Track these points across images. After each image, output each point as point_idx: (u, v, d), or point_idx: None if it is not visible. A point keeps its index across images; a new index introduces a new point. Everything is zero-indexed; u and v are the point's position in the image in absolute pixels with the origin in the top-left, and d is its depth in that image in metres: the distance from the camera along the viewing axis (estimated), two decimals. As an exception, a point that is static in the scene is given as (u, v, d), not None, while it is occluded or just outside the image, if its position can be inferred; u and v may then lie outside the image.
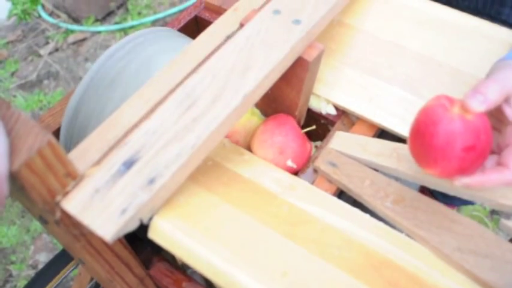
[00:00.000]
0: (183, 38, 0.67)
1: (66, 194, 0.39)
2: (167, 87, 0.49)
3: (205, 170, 0.48)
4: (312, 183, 0.53)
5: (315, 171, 0.54)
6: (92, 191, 0.40)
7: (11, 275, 1.40)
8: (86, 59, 1.81)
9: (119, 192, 0.39)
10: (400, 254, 0.44)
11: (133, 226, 0.40)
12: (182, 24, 0.77)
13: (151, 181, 0.39)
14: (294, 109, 0.55)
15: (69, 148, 0.63)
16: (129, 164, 0.41)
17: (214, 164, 0.49)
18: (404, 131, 0.55)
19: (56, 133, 0.67)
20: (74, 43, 1.85)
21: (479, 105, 0.40)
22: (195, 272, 0.87)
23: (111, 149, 0.45)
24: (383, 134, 0.58)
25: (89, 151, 0.45)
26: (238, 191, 0.46)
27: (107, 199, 0.39)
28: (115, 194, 0.39)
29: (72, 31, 1.88)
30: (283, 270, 0.39)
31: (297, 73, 0.50)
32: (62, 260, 0.77)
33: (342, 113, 0.59)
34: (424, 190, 0.84)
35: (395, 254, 0.44)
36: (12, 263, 1.42)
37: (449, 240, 0.45)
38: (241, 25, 0.51)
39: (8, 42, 1.89)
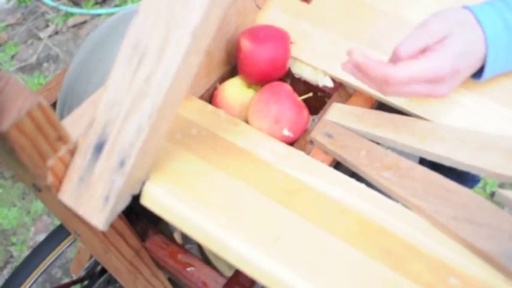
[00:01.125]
0: None
1: (58, 159, 0.39)
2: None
3: (199, 139, 0.48)
4: (308, 154, 0.53)
5: (311, 142, 0.54)
6: (77, 180, 0.40)
7: (11, 256, 1.41)
8: (86, 42, 1.80)
9: (98, 179, 0.39)
10: (395, 223, 0.44)
11: (125, 204, 0.39)
12: None
13: (122, 163, 0.38)
14: None
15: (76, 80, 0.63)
16: (99, 147, 0.39)
17: (209, 134, 0.49)
18: (401, 102, 0.54)
19: (52, 106, 0.67)
20: (73, 26, 1.84)
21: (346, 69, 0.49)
22: (192, 248, 0.87)
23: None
24: (380, 107, 0.57)
25: (81, 120, 0.45)
26: (233, 159, 0.46)
27: (90, 187, 0.39)
28: (96, 181, 0.39)
29: (72, 14, 1.86)
30: (276, 235, 0.39)
31: None
32: (58, 236, 0.77)
33: (339, 85, 0.58)
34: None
35: (391, 223, 0.44)
36: (13, 244, 1.43)
37: (445, 209, 0.45)
38: None
39: (7, 26, 1.88)
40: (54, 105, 0.66)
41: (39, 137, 0.36)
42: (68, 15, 1.86)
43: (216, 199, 0.42)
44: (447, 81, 0.47)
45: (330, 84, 0.58)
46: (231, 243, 0.38)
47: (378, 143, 0.52)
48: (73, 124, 0.44)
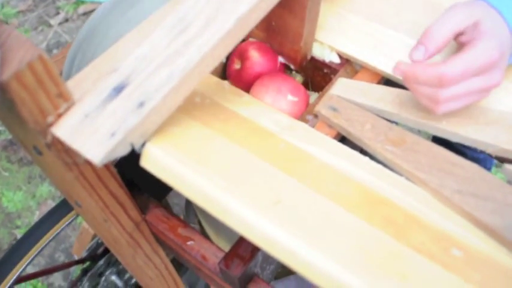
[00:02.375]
0: None
1: (58, 116, 0.38)
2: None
3: (202, 107, 0.47)
4: (313, 127, 0.52)
5: (315, 116, 0.53)
6: (81, 116, 0.39)
7: (16, 239, 1.41)
8: (95, 30, 1.81)
9: (108, 116, 0.39)
10: (398, 195, 0.43)
11: (124, 151, 0.39)
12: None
13: (141, 104, 0.39)
14: (299, 40, 0.53)
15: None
16: (119, 89, 0.40)
17: (212, 103, 0.49)
18: (408, 78, 0.53)
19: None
20: (84, 14, 1.85)
21: (422, 55, 0.46)
22: (194, 227, 0.87)
23: (103, 76, 0.45)
24: (387, 83, 0.56)
25: (84, 81, 0.45)
26: (235, 127, 0.46)
27: (96, 123, 0.38)
28: (104, 118, 0.39)
29: (82, 2, 1.87)
30: (276, 199, 0.39)
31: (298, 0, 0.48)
32: (57, 213, 0.77)
33: (345, 61, 0.58)
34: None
35: (394, 194, 0.43)
36: (18, 227, 1.44)
37: (449, 182, 0.44)
38: None
39: (18, 12, 1.89)
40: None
41: (40, 91, 0.36)
42: (79, 3, 1.87)
43: (216, 163, 0.41)
44: (498, 66, 0.46)
45: (336, 60, 0.58)
46: (230, 205, 0.38)
47: (383, 118, 0.51)
48: (76, 85, 0.44)
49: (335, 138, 0.51)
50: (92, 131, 0.38)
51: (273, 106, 0.53)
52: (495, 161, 1.20)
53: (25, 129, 0.41)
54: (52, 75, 0.36)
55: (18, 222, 1.45)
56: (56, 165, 0.44)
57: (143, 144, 0.41)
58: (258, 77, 0.57)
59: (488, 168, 1.15)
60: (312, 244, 0.37)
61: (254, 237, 0.38)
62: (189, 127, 0.44)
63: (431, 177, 0.45)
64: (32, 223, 1.44)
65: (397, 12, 0.56)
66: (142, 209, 0.57)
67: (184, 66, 0.40)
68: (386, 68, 0.54)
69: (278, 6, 0.50)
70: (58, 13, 1.87)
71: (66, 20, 1.85)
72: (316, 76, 0.62)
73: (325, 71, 0.59)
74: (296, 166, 0.43)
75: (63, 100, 0.38)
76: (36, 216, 1.45)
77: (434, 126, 0.50)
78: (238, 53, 0.60)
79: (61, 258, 1.38)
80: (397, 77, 0.54)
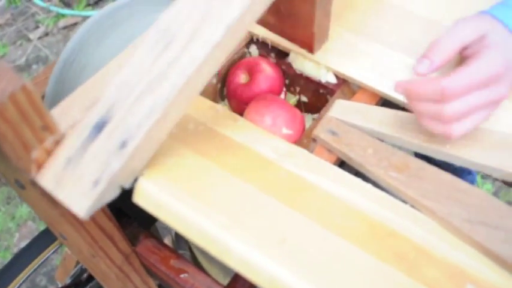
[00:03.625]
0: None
1: (44, 151, 0.35)
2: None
3: (196, 134, 0.45)
4: (311, 152, 0.50)
5: (314, 140, 0.51)
6: (64, 161, 0.36)
7: (-5, 263, 1.36)
8: (77, 44, 1.77)
9: (90, 160, 0.35)
10: (406, 225, 0.41)
11: (112, 195, 0.36)
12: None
13: (123, 144, 0.35)
14: (311, 25, 0.49)
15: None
16: (99, 127, 0.36)
17: (206, 129, 0.46)
18: (408, 100, 0.52)
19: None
20: (64, 28, 1.81)
21: (426, 69, 0.45)
22: (184, 254, 0.83)
23: (88, 108, 0.42)
24: (385, 104, 0.55)
25: (71, 109, 0.42)
26: (231, 155, 0.43)
27: (79, 170, 0.35)
28: (87, 163, 0.35)
29: (63, 15, 1.83)
30: (281, 237, 0.36)
31: None
32: (42, 241, 0.73)
33: (342, 81, 0.56)
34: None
35: (402, 225, 0.41)
36: (-3, 250, 1.38)
37: (458, 211, 0.42)
38: None
39: (-4, 26, 1.84)
40: (41, 99, 0.63)
41: (23, 125, 0.33)
42: (59, 16, 1.83)
43: (214, 197, 0.38)
44: (503, 78, 0.44)
45: (333, 80, 0.56)
46: (232, 245, 0.35)
47: (383, 141, 0.49)
48: (62, 115, 0.41)
49: (335, 162, 0.49)
50: (75, 179, 0.35)
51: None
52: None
53: (6, 163, 0.37)
54: (36, 106, 0.33)
55: (-3, 245, 1.39)
56: (40, 201, 0.41)
57: (135, 179, 0.38)
58: (267, 87, 0.56)
59: (472, 181, 1.14)
60: (320, 285, 0.34)
61: (258, 278, 0.35)
62: (184, 157, 0.41)
63: (439, 205, 0.43)
64: (12, 246, 1.38)
65: (394, 31, 0.54)
66: (132, 240, 0.54)
67: (168, 92, 0.36)
68: (385, 88, 0.53)
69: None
70: (38, 27, 1.83)
71: (46, 34, 1.81)
72: (311, 97, 0.60)
73: (321, 91, 0.57)
74: (299, 198, 0.40)
75: (49, 133, 0.35)
76: (16, 238, 1.40)
77: (438, 150, 0.48)
78: (245, 66, 0.58)
79: (43, 282, 1.32)
80: (397, 97, 0.52)
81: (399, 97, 0.52)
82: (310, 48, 0.54)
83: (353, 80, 0.54)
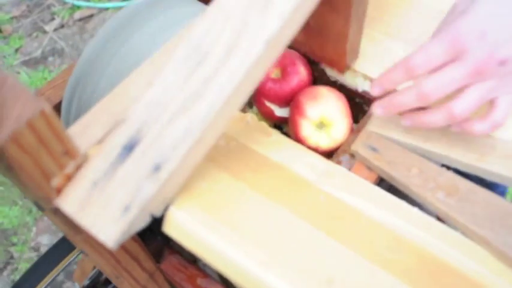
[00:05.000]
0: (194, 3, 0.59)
1: (65, 177, 0.32)
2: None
3: (228, 152, 0.41)
4: (349, 170, 0.46)
5: (352, 156, 0.47)
6: (89, 184, 0.33)
7: (12, 257, 1.35)
8: (92, 36, 1.74)
9: (120, 184, 0.32)
10: (458, 257, 0.37)
11: (142, 224, 0.33)
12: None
13: (157, 168, 0.32)
14: (344, 42, 0.46)
15: (69, 123, 0.57)
16: (130, 147, 0.33)
17: (238, 146, 0.42)
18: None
19: (57, 108, 0.60)
20: (80, 20, 1.78)
21: (377, 92, 0.44)
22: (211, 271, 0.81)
23: (113, 127, 0.38)
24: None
25: (91, 127, 0.38)
26: (268, 177, 0.40)
27: (106, 194, 0.32)
28: (115, 187, 0.32)
29: (78, 7, 1.80)
30: (329, 276, 0.32)
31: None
32: (67, 244, 0.71)
33: (381, 91, 0.51)
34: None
35: (454, 257, 0.37)
36: (14, 244, 1.37)
37: (514, 240, 0.38)
38: None
39: (12, 18, 1.82)
40: (59, 104, 0.60)
41: (42, 152, 0.30)
42: (75, 8, 1.80)
43: (251, 227, 0.35)
44: (468, 51, 0.38)
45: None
46: (273, 285, 0.32)
47: (429, 159, 0.45)
48: (82, 135, 0.38)
49: (376, 181, 0.45)
50: (102, 204, 0.32)
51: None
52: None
53: (26, 188, 0.34)
54: (56, 131, 0.30)
55: (15, 239, 1.38)
56: (60, 224, 0.38)
57: (166, 207, 0.35)
58: (297, 90, 0.52)
59: (503, 192, 1.09)
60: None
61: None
62: (217, 180, 0.38)
63: (493, 234, 0.39)
64: (29, 240, 1.37)
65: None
66: (156, 257, 0.51)
67: (206, 113, 0.33)
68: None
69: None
70: (53, 19, 1.80)
71: (62, 26, 1.78)
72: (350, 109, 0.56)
73: (357, 100, 0.53)
74: (342, 226, 0.37)
75: (69, 158, 0.32)
76: (33, 233, 1.39)
77: (488, 170, 0.44)
78: (279, 60, 0.54)
79: (60, 277, 1.31)
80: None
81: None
82: (341, 68, 0.51)
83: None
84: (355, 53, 0.51)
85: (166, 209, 0.35)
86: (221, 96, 0.33)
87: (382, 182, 0.47)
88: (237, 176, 0.39)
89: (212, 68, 0.34)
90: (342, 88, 0.53)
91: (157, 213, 0.34)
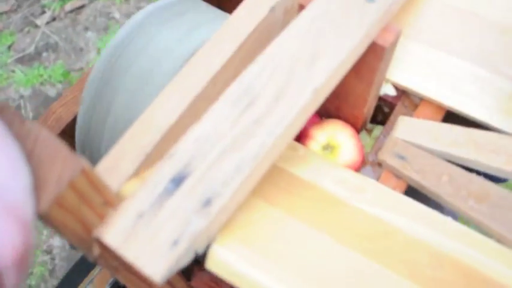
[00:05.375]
0: (210, 11, 0.58)
1: (105, 225, 0.32)
2: (208, 76, 0.41)
3: (259, 175, 0.41)
4: (377, 179, 0.46)
5: (379, 165, 0.47)
6: (134, 216, 0.32)
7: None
8: (86, 28, 1.70)
9: (168, 217, 0.32)
10: (498, 268, 0.37)
11: (186, 260, 0.32)
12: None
13: (207, 203, 0.32)
14: (362, 105, 0.47)
15: (86, 142, 0.55)
16: (178, 181, 0.33)
17: (267, 166, 0.42)
18: (480, 113, 0.47)
19: (71, 125, 0.59)
20: (71, 11, 1.74)
21: None
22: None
23: (149, 157, 0.38)
24: (449, 115, 0.50)
25: (122, 161, 0.38)
26: (302, 199, 0.39)
27: (153, 227, 0.32)
28: (163, 220, 0.32)
29: (68, -2, 1.75)
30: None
31: (368, 62, 0.42)
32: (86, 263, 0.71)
33: (401, 93, 0.51)
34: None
35: (493, 269, 0.37)
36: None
37: (551, 247, 0.39)
38: (301, 6, 0.43)
39: (1, 14, 1.77)
40: (72, 121, 0.59)
41: (83, 208, 0.29)
42: (65, -1, 1.75)
43: (294, 258, 0.35)
44: None
45: (392, 92, 0.51)
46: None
47: (457, 165, 0.45)
48: (113, 169, 0.37)
49: (405, 190, 0.45)
50: (148, 237, 0.32)
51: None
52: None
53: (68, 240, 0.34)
54: (96, 185, 0.29)
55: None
56: (100, 264, 0.38)
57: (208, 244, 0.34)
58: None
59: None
60: None
61: None
62: (254, 210, 0.37)
63: (528, 241, 0.39)
64: (41, 243, 1.37)
65: (462, 38, 0.49)
66: (186, 274, 0.51)
67: (257, 152, 0.34)
68: (452, 102, 0.48)
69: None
70: (44, 12, 1.76)
71: (54, 19, 1.74)
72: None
73: (378, 103, 0.53)
74: (382, 247, 0.37)
75: (110, 207, 0.31)
76: (45, 236, 1.39)
77: (521, 174, 0.43)
78: None
79: (76, 278, 1.32)
80: (464, 110, 0.47)
81: (468, 111, 0.47)
82: (356, 129, 0.50)
83: (415, 93, 0.49)
84: (369, 116, 0.52)
85: (208, 246, 0.34)
86: (271, 137, 0.35)
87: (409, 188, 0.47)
88: (271, 201, 0.38)
89: (262, 110, 0.36)
90: (361, 91, 0.53)
91: (200, 250, 0.33)
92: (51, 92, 1.61)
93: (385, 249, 0.37)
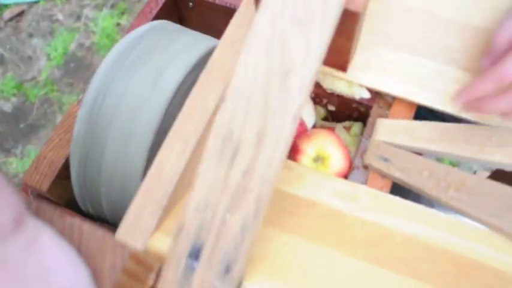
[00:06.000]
0: (174, 38, 0.56)
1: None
2: (205, 118, 0.44)
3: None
4: (366, 181, 0.51)
5: (365, 167, 0.52)
6: None
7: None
8: (30, 35, 1.64)
9: None
10: (481, 250, 0.43)
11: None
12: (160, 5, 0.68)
13: (228, 269, 0.35)
14: (347, 53, 0.49)
15: (85, 196, 0.56)
16: (195, 255, 0.35)
17: (270, 192, 0.46)
18: (449, 108, 0.52)
19: (63, 168, 0.60)
20: (11, 19, 1.66)
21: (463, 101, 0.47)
22: None
23: (165, 209, 0.41)
24: (419, 108, 0.55)
25: (142, 219, 0.41)
26: (307, 219, 0.44)
27: None
28: None
29: (6, 5, 1.68)
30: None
31: (346, 26, 0.42)
32: None
33: (375, 94, 0.55)
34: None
35: (477, 251, 0.43)
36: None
37: (524, 223, 0.45)
38: (256, 1, 0.41)
39: None
40: (65, 163, 0.60)
41: (132, 282, 0.32)
42: (2, 7, 1.67)
43: (319, 281, 0.39)
44: None
45: (366, 95, 0.55)
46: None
47: (435, 159, 0.51)
48: (135, 227, 0.40)
49: (390, 188, 0.51)
50: None
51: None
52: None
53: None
54: (142, 262, 0.32)
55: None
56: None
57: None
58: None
59: None
60: None
61: None
62: (267, 239, 0.42)
63: (505, 221, 0.45)
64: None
65: (424, 38, 0.53)
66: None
67: (256, 207, 0.35)
68: (423, 99, 0.53)
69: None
70: (-19, 23, 1.68)
71: (-7, 30, 1.67)
72: (338, 105, 0.59)
73: (354, 105, 0.57)
74: (382, 251, 0.42)
75: (150, 272, 0.35)
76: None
77: (489, 160, 0.49)
78: None
79: None
80: (434, 105, 0.52)
81: (436, 106, 0.52)
82: (343, 69, 0.53)
83: (386, 92, 0.54)
84: (354, 54, 0.53)
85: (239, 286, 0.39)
86: (266, 187, 0.35)
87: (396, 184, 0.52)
88: (283, 228, 0.42)
89: (249, 156, 0.36)
90: (339, 97, 0.57)
91: None
92: (7, 107, 1.57)
93: (386, 253, 0.42)
